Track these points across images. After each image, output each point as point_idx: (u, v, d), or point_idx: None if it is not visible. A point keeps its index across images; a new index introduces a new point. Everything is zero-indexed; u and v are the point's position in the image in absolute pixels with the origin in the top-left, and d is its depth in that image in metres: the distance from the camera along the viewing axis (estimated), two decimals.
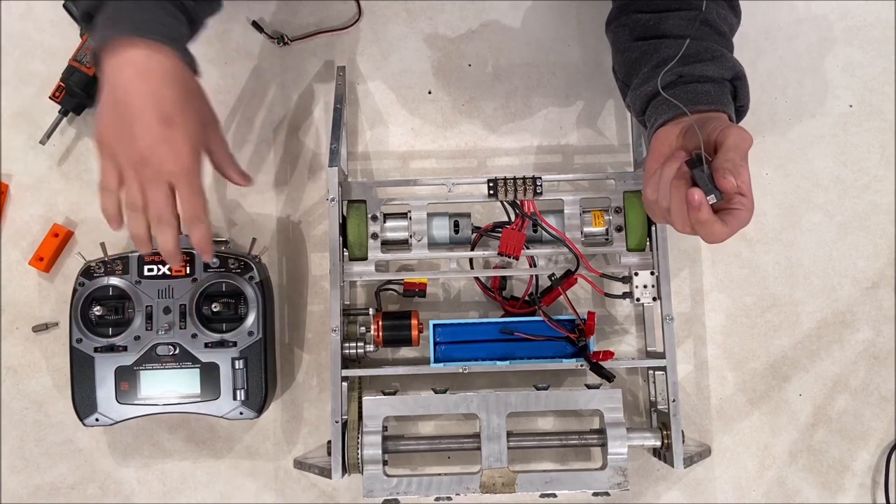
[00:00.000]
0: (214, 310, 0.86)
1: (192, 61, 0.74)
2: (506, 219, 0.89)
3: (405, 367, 0.88)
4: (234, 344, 0.87)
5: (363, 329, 0.89)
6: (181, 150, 0.69)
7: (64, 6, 0.98)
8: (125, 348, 0.87)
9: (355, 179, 0.95)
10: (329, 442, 0.85)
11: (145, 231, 0.72)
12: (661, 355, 0.86)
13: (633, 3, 0.81)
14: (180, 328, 0.87)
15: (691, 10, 0.78)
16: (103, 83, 0.70)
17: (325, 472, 0.84)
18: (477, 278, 0.94)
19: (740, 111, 0.79)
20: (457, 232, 0.88)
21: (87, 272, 0.88)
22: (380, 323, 0.88)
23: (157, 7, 0.71)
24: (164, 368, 0.87)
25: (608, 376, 0.85)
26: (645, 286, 0.87)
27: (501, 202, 0.88)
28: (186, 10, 0.74)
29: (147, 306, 0.87)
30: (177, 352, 0.87)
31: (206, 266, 0.87)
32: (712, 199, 0.68)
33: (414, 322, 0.88)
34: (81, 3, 0.73)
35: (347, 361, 0.87)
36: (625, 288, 0.89)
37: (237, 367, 0.87)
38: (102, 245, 0.89)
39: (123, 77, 0.69)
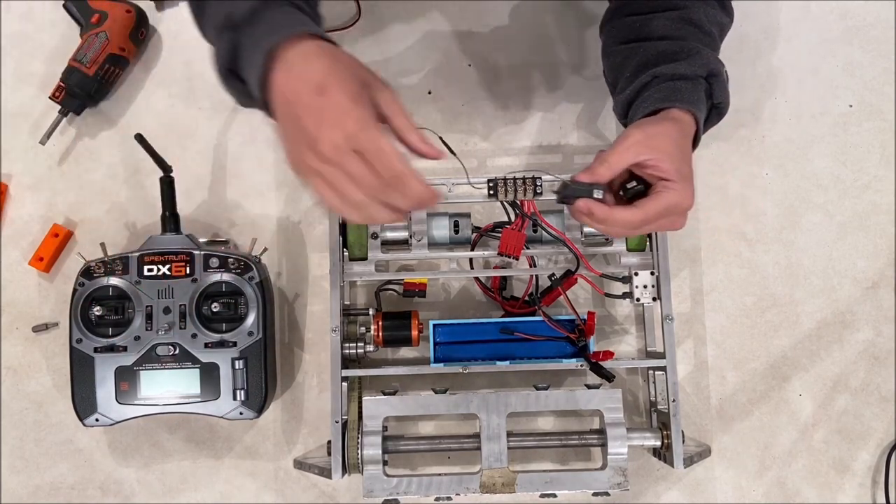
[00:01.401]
0: (214, 310, 0.86)
1: (333, 42, 0.66)
2: (506, 219, 0.89)
3: (405, 367, 0.88)
4: (234, 344, 0.87)
5: (363, 329, 0.89)
6: (344, 109, 0.61)
7: (64, 6, 0.98)
8: (125, 348, 0.87)
9: None
10: (329, 442, 0.85)
11: (387, 212, 0.63)
12: (661, 355, 0.86)
13: (625, 6, 0.81)
14: (180, 328, 0.87)
15: (678, 9, 0.78)
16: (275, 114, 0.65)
17: (325, 472, 0.84)
18: (477, 278, 0.94)
19: (719, 109, 0.79)
20: (457, 232, 0.88)
21: (87, 272, 0.87)
22: (380, 323, 0.88)
23: (281, 15, 0.66)
24: (164, 368, 0.87)
25: (608, 376, 0.85)
26: (645, 286, 0.87)
27: (501, 202, 0.88)
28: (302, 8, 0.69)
29: (147, 306, 0.87)
30: (177, 352, 0.87)
31: (206, 266, 0.87)
32: (598, 193, 0.69)
33: (414, 322, 0.88)
34: (220, 59, 0.68)
35: (347, 361, 0.87)
36: (625, 288, 0.89)
37: (237, 367, 0.87)
38: (102, 245, 0.89)
39: (279, 94, 0.64)
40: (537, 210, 0.87)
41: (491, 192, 0.87)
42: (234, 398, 0.87)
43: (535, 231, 0.88)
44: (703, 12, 0.79)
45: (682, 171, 0.71)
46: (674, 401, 0.84)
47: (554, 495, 0.83)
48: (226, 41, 0.66)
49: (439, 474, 0.83)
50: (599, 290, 0.91)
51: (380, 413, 0.83)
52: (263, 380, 0.87)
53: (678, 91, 0.75)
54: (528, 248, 0.88)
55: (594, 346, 0.87)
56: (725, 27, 0.82)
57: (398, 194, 0.62)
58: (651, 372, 0.92)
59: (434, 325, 0.87)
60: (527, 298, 0.91)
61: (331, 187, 0.62)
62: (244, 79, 0.67)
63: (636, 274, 0.87)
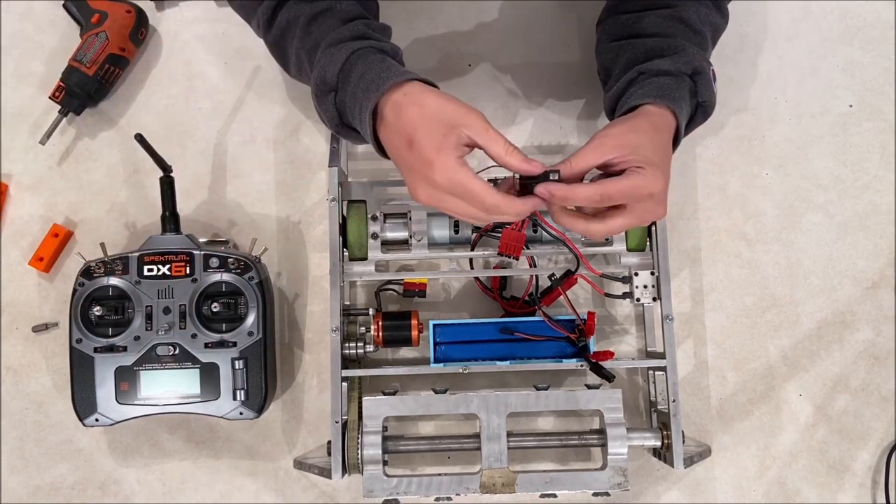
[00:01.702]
0: (214, 310, 0.86)
1: (421, 78, 0.72)
2: None
3: (405, 367, 0.88)
4: (234, 344, 0.87)
5: (363, 329, 0.89)
6: (428, 161, 0.68)
7: (64, 6, 0.98)
8: (125, 348, 0.87)
9: (355, 179, 0.95)
10: (329, 442, 0.85)
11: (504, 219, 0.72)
12: (661, 355, 0.86)
13: (619, 4, 0.82)
14: (180, 328, 0.87)
15: (670, 7, 0.78)
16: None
17: (325, 473, 0.84)
18: (477, 278, 0.94)
19: (704, 108, 0.78)
20: (457, 232, 0.88)
21: (87, 272, 0.87)
22: (380, 323, 0.88)
23: (366, 66, 0.72)
24: (164, 368, 0.87)
25: (608, 376, 0.85)
26: (645, 286, 0.87)
27: None
28: (382, 49, 0.75)
29: (147, 306, 0.87)
30: (177, 352, 0.87)
31: (206, 266, 0.87)
32: (555, 177, 0.69)
33: (414, 322, 0.88)
34: (330, 121, 0.77)
35: (347, 361, 0.87)
36: (625, 288, 0.89)
37: (237, 367, 0.87)
38: (102, 245, 0.89)
39: (386, 147, 0.73)
40: (537, 210, 0.87)
41: None
42: (234, 398, 0.87)
43: (535, 231, 0.88)
44: (696, 11, 0.79)
45: (655, 162, 0.70)
46: (674, 401, 0.84)
47: (554, 495, 0.83)
48: (329, 104, 0.75)
49: (439, 474, 0.83)
50: (599, 290, 0.91)
51: (380, 413, 0.83)
52: (263, 380, 0.87)
53: (661, 88, 0.75)
54: (528, 248, 0.88)
55: (594, 346, 0.87)
56: (719, 28, 0.82)
57: (501, 216, 0.70)
58: (651, 372, 0.92)
59: (434, 325, 0.87)
60: (527, 298, 0.91)
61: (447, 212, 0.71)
62: (356, 129, 0.75)
63: (636, 274, 0.87)
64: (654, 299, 0.87)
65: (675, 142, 0.76)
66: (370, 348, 0.88)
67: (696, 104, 0.78)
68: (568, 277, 0.87)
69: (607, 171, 0.72)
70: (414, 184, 0.70)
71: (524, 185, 0.71)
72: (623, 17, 0.81)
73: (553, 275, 0.88)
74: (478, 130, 0.68)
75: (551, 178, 0.69)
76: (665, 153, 0.73)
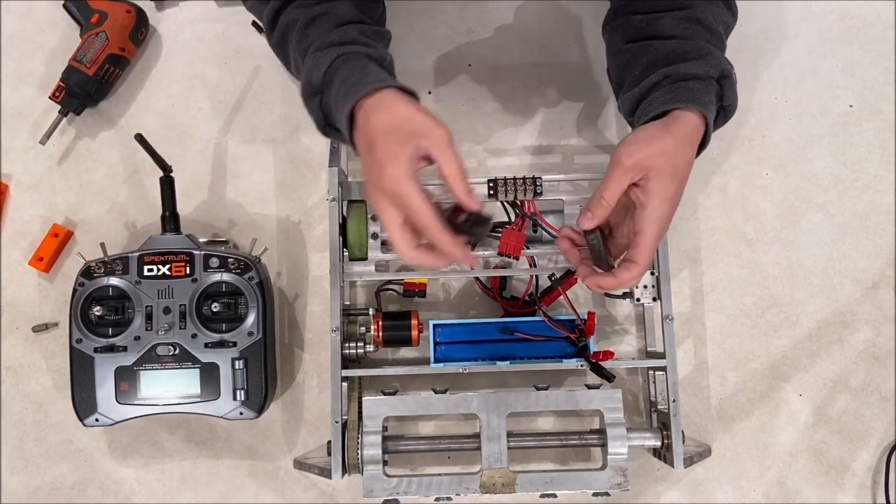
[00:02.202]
0: (214, 310, 0.86)
1: (398, 86, 0.73)
2: (506, 219, 0.89)
3: (405, 367, 0.88)
4: (234, 344, 0.87)
5: (363, 329, 0.89)
6: (381, 167, 0.69)
7: (64, 6, 0.98)
8: (125, 348, 0.87)
9: (355, 179, 0.95)
10: (329, 442, 0.85)
11: (427, 258, 0.70)
12: (661, 355, 0.86)
13: (628, 4, 0.81)
14: (180, 328, 0.87)
15: (684, 9, 0.78)
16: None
17: (325, 473, 0.84)
18: (477, 278, 0.94)
19: (726, 111, 0.79)
20: None
21: (87, 272, 0.87)
22: (380, 323, 0.88)
23: (350, 71, 0.73)
24: (164, 368, 0.87)
25: (608, 376, 0.85)
26: (645, 286, 0.87)
27: (501, 202, 0.88)
28: (368, 55, 0.76)
29: (147, 306, 0.87)
30: (177, 352, 0.87)
31: (206, 266, 0.87)
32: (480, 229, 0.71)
33: (414, 322, 0.88)
34: (318, 122, 0.78)
35: (347, 361, 0.87)
36: (625, 288, 0.89)
37: (237, 367, 0.87)
38: (102, 245, 0.89)
39: (356, 143, 0.73)
40: (537, 210, 0.87)
41: (491, 192, 0.87)
42: (234, 398, 0.87)
43: (535, 231, 0.88)
44: (710, 11, 0.78)
45: (667, 193, 0.72)
46: (674, 401, 0.84)
47: (554, 495, 0.83)
48: (315, 106, 0.76)
49: (439, 474, 0.83)
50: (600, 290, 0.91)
51: (380, 413, 0.83)
52: (263, 380, 0.87)
53: (690, 91, 0.75)
54: (528, 248, 0.88)
55: (594, 346, 0.87)
56: (730, 26, 0.82)
57: (419, 256, 0.70)
58: (651, 372, 0.92)
59: (434, 325, 0.87)
60: (527, 298, 0.91)
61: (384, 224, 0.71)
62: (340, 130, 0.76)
63: None
64: (654, 299, 0.87)
65: (703, 145, 0.77)
66: (370, 348, 0.88)
67: (719, 107, 0.78)
68: (568, 277, 0.87)
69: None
70: (367, 187, 0.72)
71: (454, 219, 0.70)
72: (636, 17, 0.80)
73: (553, 275, 0.88)
74: (437, 145, 0.68)
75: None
76: (685, 173, 0.74)
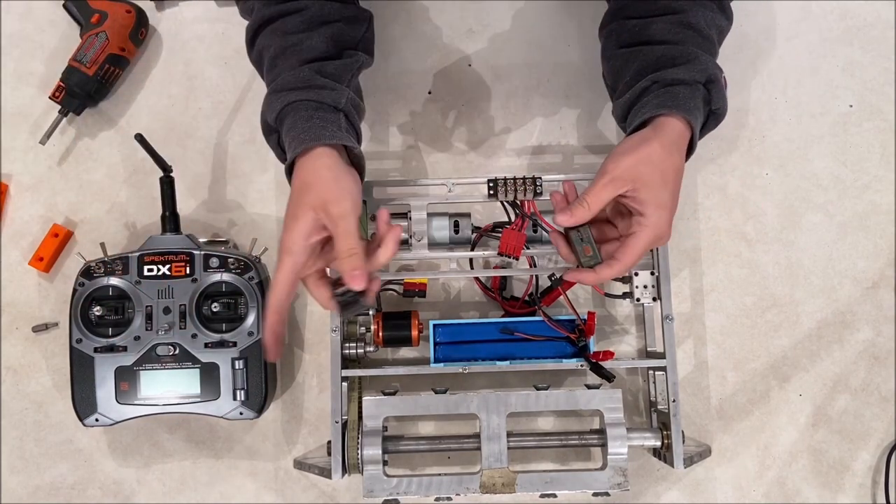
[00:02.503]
0: (214, 310, 0.86)
1: (333, 144, 0.76)
2: (506, 219, 0.89)
3: (405, 367, 0.88)
4: (234, 344, 0.87)
5: (363, 329, 0.89)
6: (286, 224, 0.73)
7: (64, 6, 0.98)
8: (125, 348, 0.87)
9: None
10: (329, 442, 0.85)
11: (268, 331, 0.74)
12: (661, 355, 0.86)
13: (623, 8, 0.81)
14: (180, 328, 0.87)
15: (677, 13, 0.78)
16: None
17: (325, 472, 0.84)
18: (477, 278, 0.94)
19: (716, 114, 0.79)
20: (457, 232, 0.88)
21: (87, 272, 0.88)
22: (380, 323, 0.88)
23: (296, 121, 0.76)
24: (164, 368, 0.87)
25: (608, 376, 0.85)
26: (645, 286, 0.87)
27: (501, 202, 0.88)
28: (319, 100, 0.77)
29: (147, 306, 0.87)
30: (177, 352, 0.87)
31: (206, 266, 0.87)
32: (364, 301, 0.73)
33: (414, 322, 0.88)
34: (279, 156, 0.80)
35: (347, 361, 0.87)
36: (625, 288, 0.89)
37: (237, 367, 0.87)
38: (102, 245, 0.89)
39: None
40: (537, 210, 0.87)
41: (491, 192, 0.87)
42: (234, 398, 0.87)
43: (535, 231, 0.88)
44: (703, 16, 0.79)
45: (660, 200, 0.73)
46: (674, 401, 0.84)
47: (554, 495, 0.83)
48: (274, 143, 0.80)
49: (439, 474, 0.83)
50: (599, 290, 0.91)
51: (380, 413, 0.83)
52: (263, 380, 0.87)
53: (676, 97, 0.75)
54: (528, 248, 0.88)
55: (594, 346, 0.87)
56: (724, 30, 0.82)
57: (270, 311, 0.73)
58: (651, 372, 0.92)
59: (434, 325, 0.87)
60: (527, 298, 0.91)
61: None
62: None
63: (636, 274, 0.87)
64: (654, 299, 0.87)
65: (690, 149, 0.77)
66: (370, 348, 0.88)
67: (708, 111, 0.78)
68: None
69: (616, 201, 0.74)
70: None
71: (335, 287, 0.73)
72: (629, 22, 0.80)
73: (553, 275, 0.88)
74: (334, 220, 0.71)
75: (362, 303, 0.72)
76: (676, 178, 0.75)
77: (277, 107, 0.77)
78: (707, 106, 0.77)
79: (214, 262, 0.87)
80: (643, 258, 0.76)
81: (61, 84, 0.96)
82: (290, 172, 0.77)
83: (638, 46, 0.79)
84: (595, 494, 0.86)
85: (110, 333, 0.87)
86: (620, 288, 0.89)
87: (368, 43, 0.85)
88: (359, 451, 0.83)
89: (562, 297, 0.89)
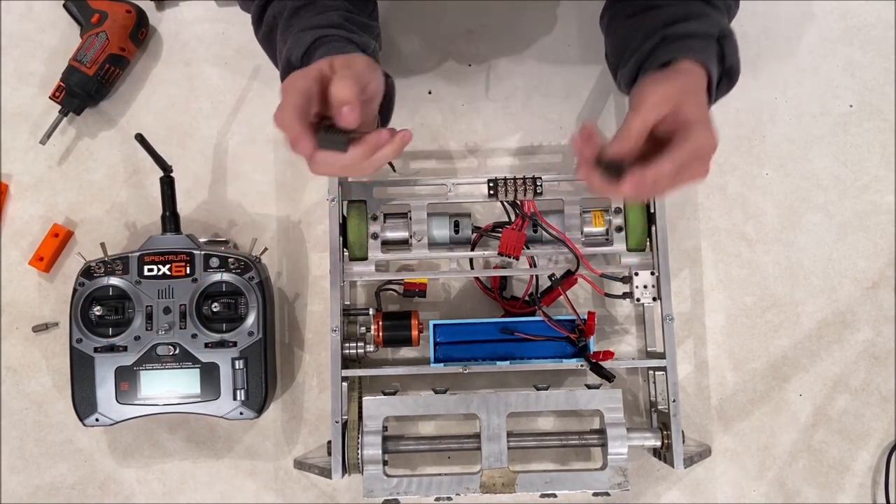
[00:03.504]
0: (214, 310, 0.86)
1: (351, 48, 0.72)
2: (506, 219, 0.89)
3: (405, 367, 0.88)
4: (234, 344, 0.87)
5: (363, 329, 0.89)
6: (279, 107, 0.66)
7: (64, 6, 0.98)
8: (125, 348, 0.87)
9: (356, 179, 0.95)
10: (329, 442, 0.85)
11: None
12: (661, 355, 0.86)
13: None
14: (180, 328, 0.87)
15: None
16: None
17: (325, 472, 0.84)
18: (477, 278, 0.94)
19: (729, 73, 0.76)
20: (457, 232, 0.88)
21: (87, 272, 0.88)
22: (380, 323, 0.88)
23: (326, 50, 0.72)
24: (164, 368, 0.87)
25: (608, 376, 0.85)
26: (645, 286, 0.87)
27: (501, 202, 0.88)
28: (350, 39, 0.74)
29: (147, 306, 0.87)
30: (177, 352, 0.87)
31: (206, 266, 0.87)
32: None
33: (414, 322, 0.88)
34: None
35: (347, 361, 0.87)
36: (625, 288, 0.89)
37: (237, 367, 0.87)
38: (102, 245, 0.89)
39: None
40: (537, 210, 0.87)
41: (491, 192, 0.87)
42: (234, 398, 0.87)
43: (535, 231, 0.88)
44: None
45: (701, 115, 0.66)
46: (674, 401, 0.84)
47: (554, 495, 0.83)
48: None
49: (439, 474, 0.83)
50: (599, 290, 0.91)
51: (380, 413, 0.83)
52: (263, 380, 0.87)
53: (690, 48, 0.71)
54: (528, 248, 0.88)
55: (594, 346, 0.87)
56: (732, 10, 0.80)
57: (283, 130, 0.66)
58: (651, 372, 0.92)
59: (434, 325, 0.87)
60: (527, 298, 0.91)
61: None
62: None
63: (636, 274, 0.87)
64: (654, 299, 0.87)
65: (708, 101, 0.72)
66: (370, 348, 0.88)
67: (721, 70, 0.74)
68: (568, 277, 0.87)
69: (652, 137, 0.66)
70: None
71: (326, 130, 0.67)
72: None
73: (553, 275, 0.88)
74: (335, 76, 0.66)
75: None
76: (706, 108, 0.69)
77: (307, 40, 0.72)
78: (720, 64, 0.73)
79: (214, 262, 0.87)
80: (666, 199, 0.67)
81: (61, 84, 0.96)
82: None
83: (645, 13, 0.76)
84: (595, 494, 0.86)
85: (110, 333, 0.87)
86: (620, 288, 0.89)
87: (376, 14, 0.84)
88: (359, 451, 0.83)
89: (562, 297, 0.89)
